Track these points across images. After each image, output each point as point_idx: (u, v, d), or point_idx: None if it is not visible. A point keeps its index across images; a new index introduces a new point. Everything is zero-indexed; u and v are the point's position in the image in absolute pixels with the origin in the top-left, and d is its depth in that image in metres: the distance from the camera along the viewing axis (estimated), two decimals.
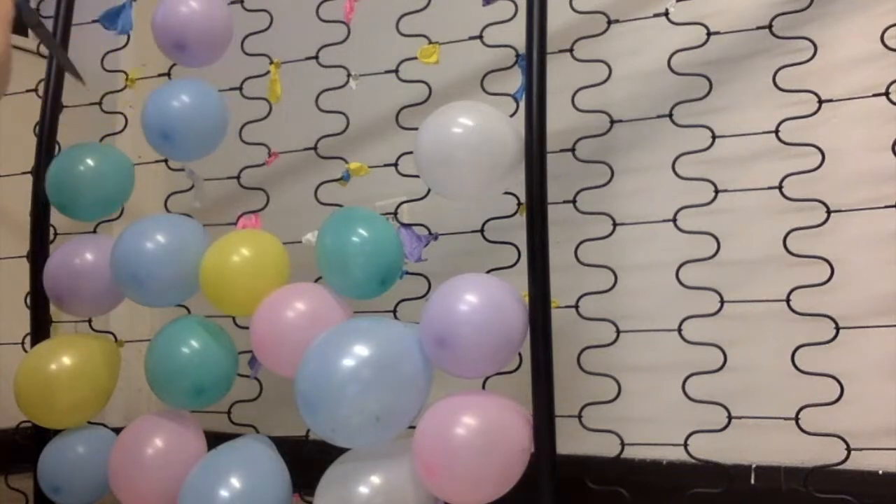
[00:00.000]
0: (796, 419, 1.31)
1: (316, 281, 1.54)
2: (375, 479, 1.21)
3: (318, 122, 1.64)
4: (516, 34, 1.39)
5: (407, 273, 1.48)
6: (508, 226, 1.45)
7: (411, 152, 1.39)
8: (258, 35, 1.69)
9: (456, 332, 1.21)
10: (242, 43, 1.69)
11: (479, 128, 1.31)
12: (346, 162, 1.59)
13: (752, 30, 1.43)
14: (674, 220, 1.40)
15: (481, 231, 1.51)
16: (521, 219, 1.33)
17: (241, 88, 1.69)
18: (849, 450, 1.28)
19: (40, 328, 1.59)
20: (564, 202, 1.44)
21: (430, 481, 1.20)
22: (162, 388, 1.45)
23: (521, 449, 1.22)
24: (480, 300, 1.23)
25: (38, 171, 1.61)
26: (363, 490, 1.20)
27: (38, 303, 1.59)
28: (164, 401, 1.47)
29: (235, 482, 1.26)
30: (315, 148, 1.64)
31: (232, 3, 1.69)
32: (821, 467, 1.31)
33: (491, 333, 1.22)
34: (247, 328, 1.64)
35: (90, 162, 1.55)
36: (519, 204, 1.45)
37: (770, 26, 1.40)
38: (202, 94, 1.53)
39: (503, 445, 1.20)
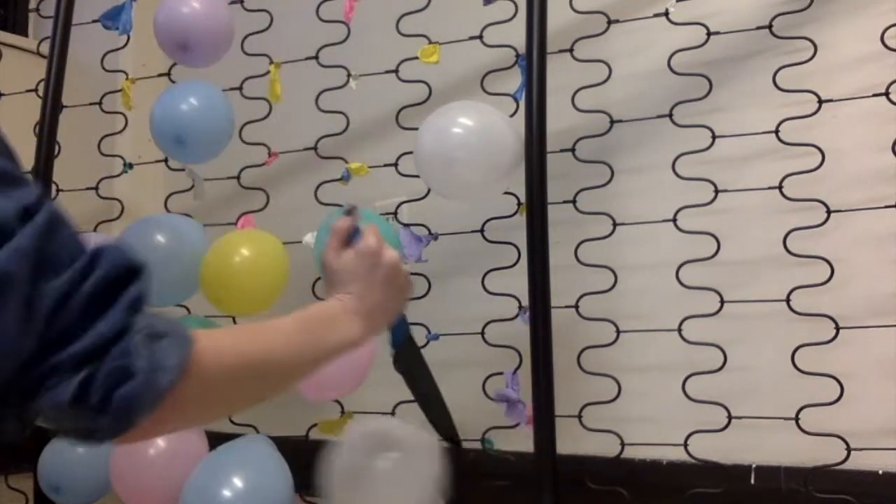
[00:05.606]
0: (796, 419, 1.31)
1: (315, 282, 1.54)
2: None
3: (318, 122, 1.64)
4: (516, 34, 1.39)
5: None
6: (508, 226, 1.44)
7: (411, 152, 1.39)
8: (258, 35, 1.69)
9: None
10: (242, 43, 1.68)
11: (479, 128, 1.31)
12: (346, 162, 1.59)
13: (752, 30, 1.43)
14: (674, 220, 1.40)
15: (481, 231, 1.51)
16: (521, 219, 1.33)
17: (241, 88, 1.69)
18: (849, 450, 1.28)
19: None
20: (564, 202, 1.44)
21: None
22: None
23: None
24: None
25: (38, 171, 1.60)
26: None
27: None
28: None
29: (237, 482, 1.27)
30: (315, 148, 1.64)
31: (232, 3, 1.69)
32: (821, 467, 1.31)
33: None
34: None
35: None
36: (519, 204, 1.45)
37: (770, 26, 1.40)
38: (210, 97, 1.54)
39: None
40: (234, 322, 1.63)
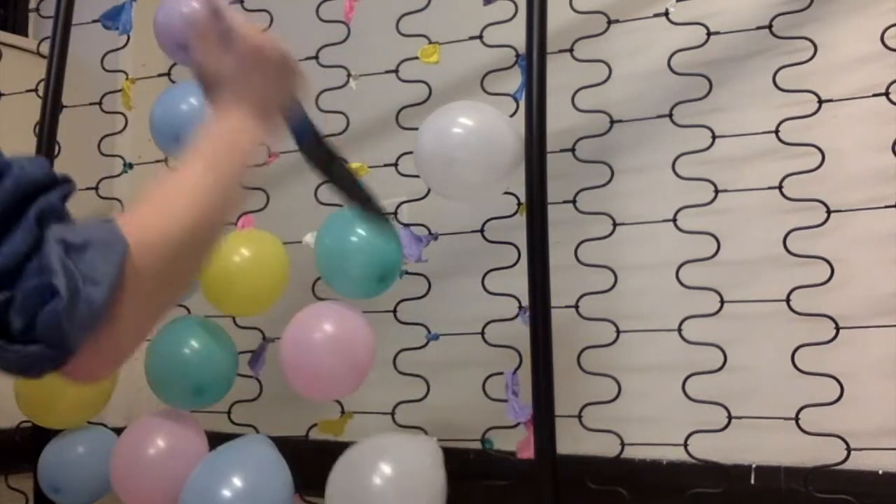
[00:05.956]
0: (796, 419, 1.31)
1: (315, 282, 1.54)
2: (387, 470, 1.21)
3: (317, 122, 1.63)
4: (516, 34, 1.39)
5: (407, 273, 1.48)
6: (508, 226, 1.44)
7: (411, 152, 1.39)
8: None
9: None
10: None
11: (479, 128, 1.31)
12: (347, 162, 1.59)
13: (752, 30, 1.43)
14: (674, 220, 1.40)
15: (481, 231, 1.51)
16: (521, 219, 1.34)
17: None
18: (849, 450, 1.28)
19: None
20: (564, 202, 1.44)
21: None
22: (162, 388, 1.45)
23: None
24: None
25: None
26: (376, 481, 1.20)
27: None
28: (164, 401, 1.47)
29: (237, 482, 1.27)
30: None
31: (232, 3, 1.69)
32: (821, 467, 1.31)
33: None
34: (247, 328, 1.64)
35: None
36: (519, 204, 1.45)
37: (770, 26, 1.40)
38: None
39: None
40: (235, 323, 1.63)
